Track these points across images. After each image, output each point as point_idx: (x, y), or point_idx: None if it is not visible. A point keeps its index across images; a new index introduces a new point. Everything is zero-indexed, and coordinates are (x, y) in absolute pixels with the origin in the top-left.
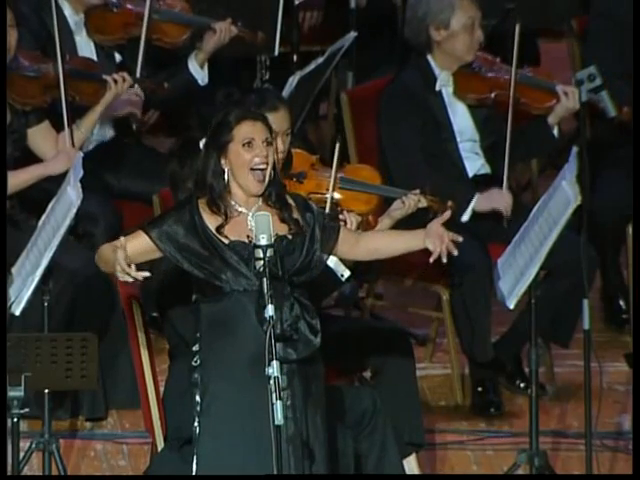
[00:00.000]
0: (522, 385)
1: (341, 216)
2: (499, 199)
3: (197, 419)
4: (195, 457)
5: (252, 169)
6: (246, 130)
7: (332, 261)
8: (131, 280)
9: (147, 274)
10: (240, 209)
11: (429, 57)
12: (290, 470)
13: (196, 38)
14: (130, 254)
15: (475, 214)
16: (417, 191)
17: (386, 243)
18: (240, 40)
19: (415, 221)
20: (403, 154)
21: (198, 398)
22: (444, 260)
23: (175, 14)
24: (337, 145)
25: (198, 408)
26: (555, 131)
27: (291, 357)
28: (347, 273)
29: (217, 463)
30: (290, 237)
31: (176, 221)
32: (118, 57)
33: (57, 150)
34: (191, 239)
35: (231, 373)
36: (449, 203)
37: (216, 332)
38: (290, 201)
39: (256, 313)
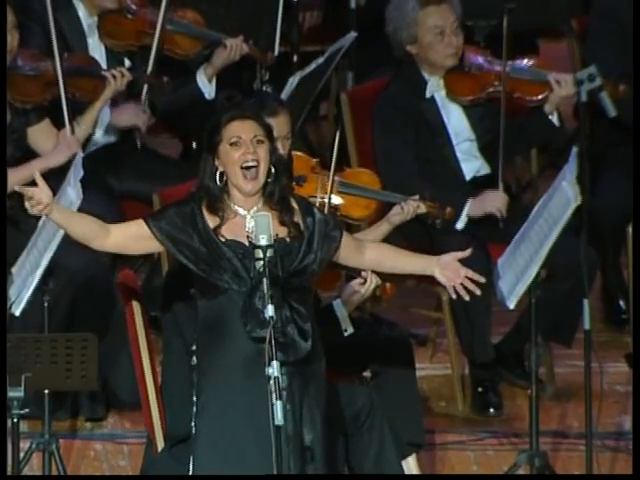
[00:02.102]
0: (521, 380)
1: (363, 273)
2: (492, 202)
3: (194, 419)
4: (192, 457)
5: (242, 167)
6: (233, 129)
7: (341, 314)
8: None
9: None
10: (239, 210)
11: (417, 64)
12: (289, 471)
13: (206, 50)
14: (129, 238)
15: (470, 219)
16: (416, 197)
17: (392, 258)
18: (250, 57)
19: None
20: (396, 167)
21: (195, 398)
22: (453, 296)
23: (189, 27)
24: (335, 144)
25: (195, 408)
26: (555, 119)
27: (281, 360)
28: (350, 330)
29: (212, 463)
30: (288, 240)
31: (177, 214)
32: (128, 62)
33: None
34: (190, 234)
35: (224, 373)
36: (448, 209)
37: (211, 332)
38: (294, 204)
39: (242, 313)
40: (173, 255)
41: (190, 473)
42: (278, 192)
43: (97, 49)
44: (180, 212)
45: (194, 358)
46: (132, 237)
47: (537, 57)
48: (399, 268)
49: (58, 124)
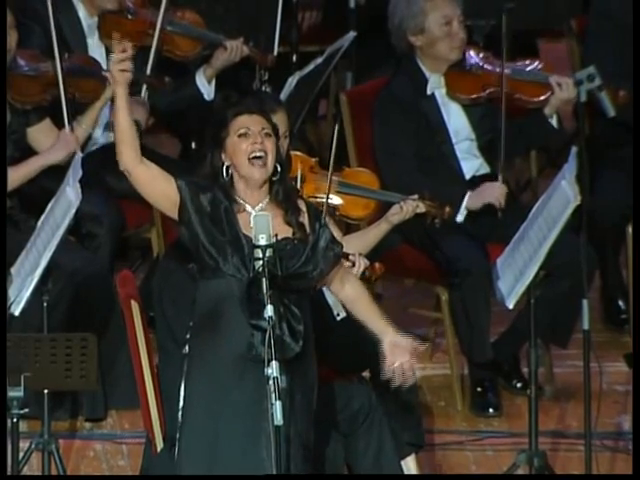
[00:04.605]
0: (519, 385)
1: (351, 257)
2: (490, 192)
3: (181, 411)
4: (177, 446)
5: (250, 158)
6: (241, 122)
7: (332, 298)
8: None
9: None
10: (245, 206)
11: (418, 61)
12: (272, 469)
13: (205, 51)
14: (153, 180)
15: (470, 213)
16: (415, 196)
17: (363, 307)
18: (250, 59)
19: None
20: (396, 163)
21: (182, 389)
22: (385, 375)
23: (188, 28)
24: (334, 140)
25: (182, 397)
26: (554, 122)
27: (269, 357)
28: (343, 314)
29: (195, 453)
30: (295, 242)
31: (209, 189)
32: None
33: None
34: (215, 211)
35: (215, 363)
36: (446, 209)
37: (205, 320)
38: (302, 207)
39: (240, 300)
40: (191, 222)
41: (175, 460)
42: (283, 190)
43: (97, 49)
44: (211, 188)
45: (186, 347)
46: (157, 182)
47: (540, 60)
48: (362, 319)
49: (58, 124)
